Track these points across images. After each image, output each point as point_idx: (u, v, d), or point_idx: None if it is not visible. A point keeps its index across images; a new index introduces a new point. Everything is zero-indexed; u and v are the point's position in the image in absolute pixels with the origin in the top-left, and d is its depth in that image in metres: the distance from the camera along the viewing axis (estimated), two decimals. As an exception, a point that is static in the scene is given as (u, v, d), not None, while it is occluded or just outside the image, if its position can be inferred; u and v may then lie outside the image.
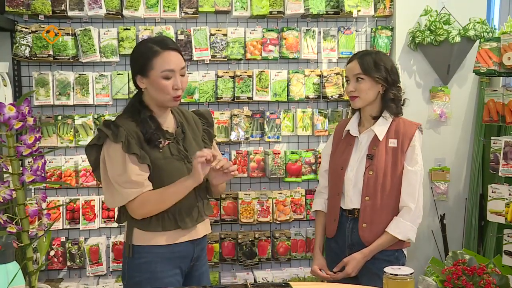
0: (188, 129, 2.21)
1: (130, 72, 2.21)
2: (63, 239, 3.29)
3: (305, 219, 3.49)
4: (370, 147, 2.32)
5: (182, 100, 2.67)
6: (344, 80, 2.43)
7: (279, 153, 3.37)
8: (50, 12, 3.17)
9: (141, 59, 2.05)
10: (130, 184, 2.00)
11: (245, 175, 3.41)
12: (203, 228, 2.19)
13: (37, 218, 1.71)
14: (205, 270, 2.26)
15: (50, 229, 1.72)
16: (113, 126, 2.03)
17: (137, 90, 2.17)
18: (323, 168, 2.53)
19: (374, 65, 2.31)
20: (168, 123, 2.16)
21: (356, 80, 2.31)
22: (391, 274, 1.56)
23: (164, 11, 3.28)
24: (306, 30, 3.41)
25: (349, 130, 2.40)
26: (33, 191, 3.20)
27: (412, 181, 2.27)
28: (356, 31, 3.53)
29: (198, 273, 2.22)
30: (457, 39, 3.25)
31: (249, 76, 3.37)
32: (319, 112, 3.46)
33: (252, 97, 3.38)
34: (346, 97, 2.99)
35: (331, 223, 2.40)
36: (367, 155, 2.31)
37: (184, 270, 2.16)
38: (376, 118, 2.34)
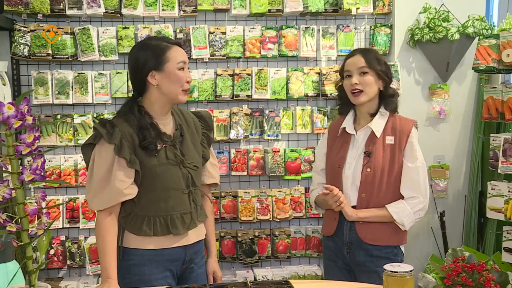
0: (187, 132, 2.19)
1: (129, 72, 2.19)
2: (63, 238, 3.29)
3: (304, 217, 3.49)
4: (367, 144, 2.32)
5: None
6: (344, 75, 2.38)
7: (278, 151, 3.37)
8: (49, 11, 3.16)
9: (155, 53, 2.06)
10: (108, 191, 2.00)
11: (245, 173, 3.41)
12: (195, 235, 2.17)
13: (36, 217, 1.71)
14: (201, 273, 2.25)
15: (50, 228, 1.72)
16: (109, 126, 2.02)
17: (132, 95, 2.17)
18: (319, 167, 2.52)
19: (376, 59, 2.32)
20: (167, 125, 2.15)
21: (360, 74, 2.30)
22: (390, 271, 1.56)
23: (163, 10, 3.28)
24: (305, 28, 3.41)
25: (345, 128, 2.40)
26: (32, 190, 3.20)
27: (413, 177, 2.27)
28: (355, 28, 3.52)
29: (194, 275, 2.20)
30: (456, 36, 3.25)
31: (248, 74, 3.37)
32: (318, 110, 3.46)
33: (251, 95, 3.38)
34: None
35: (331, 221, 2.40)
36: (364, 152, 2.31)
37: (176, 272, 2.15)
38: (373, 115, 2.34)
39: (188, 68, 2.16)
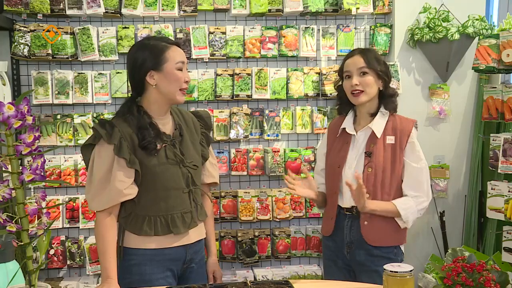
0: (187, 132, 2.19)
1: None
2: (63, 238, 3.29)
3: (304, 217, 3.49)
4: (368, 144, 2.32)
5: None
6: (344, 76, 2.38)
7: (278, 151, 3.37)
8: (49, 11, 3.16)
9: (154, 53, 2.06)
10: (108, 192, 2.00)
11: (245, 173, 3.41)
12: (195, 234, 2.18)
13: (36, 217, 1.71)
14: (201, 273, 2.25)
15: (50, 228, 1.72)
16: (108, 126, 2.02)
17: (131, 95, 2.17)
18: (319, 168, 2.52)
19: (376, 59, 2.31)
20: (166, 125, 2.15)
21: (360, 74, 2.30)
22: (391, 271, 1.56)
23: (163, 10, 3.28)
24: (305, 28, 3.41)
25: (345, 128, 2.40)
26: (32, 190, 3.20)
27: (418, 178, 2.29)
28: (355, 28, 3.52)
29: (194, 275, 2.21)
30: (456, 36, 3.25)
31: (248, 74, 3.37)
32: (318, 110, 3.46)
33: (251, 95, 3.38)
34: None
35: (328, 221, 2.41)
36: (365, 152, 2.31)
37: (177, 272, 2.15)
38: (373, 115, 2.34)
39: (187, 68, 2.16)
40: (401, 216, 2.25)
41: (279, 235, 3.43)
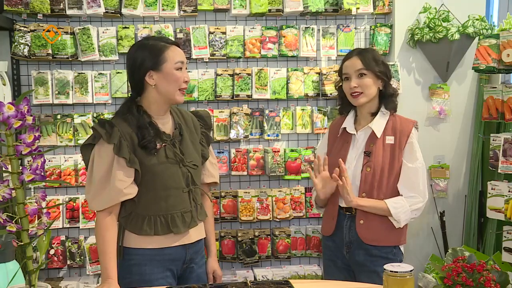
0: (186, 131, 2.20)
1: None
2: (63, 237, 3.29)
3: (304, 217, 3.49)
4: (368, 144, 2.32)
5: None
6: (343, 78, 2.38)
7: (278, 151, 3.37)
8: (49, 11, 3.16)
9: (153, 53, 2.06)
10: (108, 191, 2.00)
11: (245, 173, 3.41)
12: (195, 233, 2.17)
13: (36, 217, 1.71)
14: (201, 272, 2.25)
15: (50, 228, 1.72)
16: (107, 126, 2.03)
17: (130, 95, 2.17)
18: None
19: (374, 60, 2.31)
20: (166, 124, 2.16)
21: (358, 76, 2.30)
22: (391, 271, 1.56)
23: (163, 10, 3.28)
24: (305, 28, 3.41)
25: (345, 127, 2.40)
26: (32, 190, 3.20)
27: (413, 178, 2.27)
28: (355, 28, 3.52)
29: (194, 275, 2.21)
30: (456, 36, 3.25)
31: (248, 74, 3.37)
32: (318, 110, 3.46)
33: (251, 95, 3.38)
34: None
35: (329, 221, 2.41)
36: (364, 152, 2.32)
37: (176, 272, 2.15)
38: (374, 115, 2.34)
39: (186, 68, 2.16)
40: (392, 215, 2.25)
41: (279, 235, 3.43)
